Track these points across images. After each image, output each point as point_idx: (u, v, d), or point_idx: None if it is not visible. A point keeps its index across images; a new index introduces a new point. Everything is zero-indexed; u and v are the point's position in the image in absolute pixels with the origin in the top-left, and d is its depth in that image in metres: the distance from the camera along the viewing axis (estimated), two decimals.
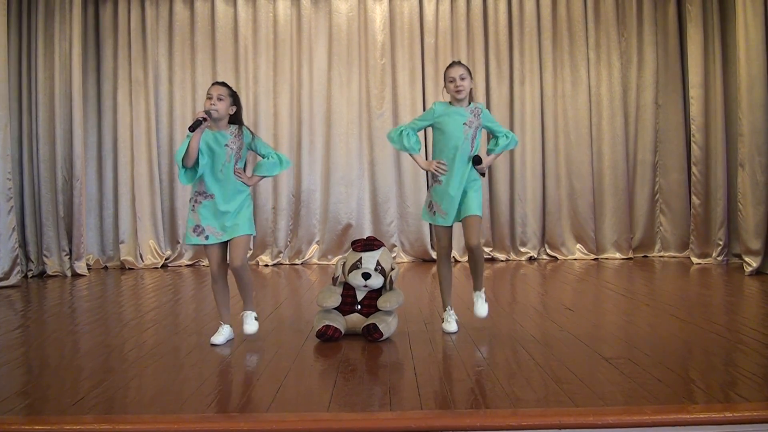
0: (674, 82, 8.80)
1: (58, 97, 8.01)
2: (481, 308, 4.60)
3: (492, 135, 4.65)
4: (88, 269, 8.25)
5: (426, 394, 3.30)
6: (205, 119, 4.19)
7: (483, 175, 4.60)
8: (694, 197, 8.25)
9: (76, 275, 7.96)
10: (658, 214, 8.94)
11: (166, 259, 8.68)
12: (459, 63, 4.55)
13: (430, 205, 4.59)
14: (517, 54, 8.80)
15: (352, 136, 8.81)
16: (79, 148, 8.07)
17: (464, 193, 4.47)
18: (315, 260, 8.80)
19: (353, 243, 4.82)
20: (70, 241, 8.06)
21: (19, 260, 7.36)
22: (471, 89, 4.54)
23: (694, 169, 8.24)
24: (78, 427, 2.95)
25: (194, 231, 4.35)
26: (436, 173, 4.50)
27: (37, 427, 2.96)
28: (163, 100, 8.77)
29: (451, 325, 4.66)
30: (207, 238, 4.33)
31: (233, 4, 8.77)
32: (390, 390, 3.42)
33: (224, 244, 4.42)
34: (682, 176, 8.74)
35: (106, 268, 8.66)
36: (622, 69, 8.86)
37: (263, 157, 4.50)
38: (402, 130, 4.58)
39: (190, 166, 4.25)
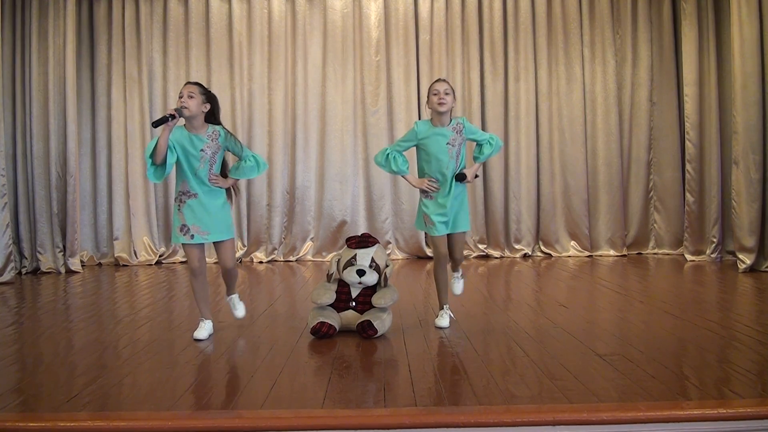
0: (669, 79, 8.81)
1: (51, 93, 7.99)
2: (456, 286, 5.01)
3: (476, 143, 4.74)
4: (82, 266, 8.23)
5: (420, 391, 3.30)
6: (173, 116, 4.17)
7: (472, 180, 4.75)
8: (688, 194, 8.26)
9: (69, 272, 7.94)
10: (652, 211, 8.96)
11: (160, 256, 8.67)
12: (444, 80, 4.67)
13: (423, 218, 4.69)
14: (512, 51, 8.80)
15: (346, 133, 8.80)
16: (72, 145, 8.06)
17: (456, 208, 4.62)
18: (309, 257, 8.80)
19: (348, 240, 4.82)
20: (63, 238, 8.05)
21: (12, 257, 7.33)
22: (452, 107, 4.62)
23: (688, 166, 8.24)
24: (72, 424, 2.95)
25: (180, 230, 4.39)
26: (429, 191, 4.58)
27: (31, 424, 2.95)
28: (158, 96, 8.74)
29: (443, 320, 4.75)
30: (192, 237, 4.36)
31: (227, 1, 8.74)
32: (384, 386, 3.43)
33: (201, 243, 4.46)
34: (677, 174, 8.76)
35: (100, 264, 8.64)
36: (617, 66, 8.87)
37: (240, 159, 4.51)
38: (388, 153, 4.68)
39: (159, 163, 4.24)
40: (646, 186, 8.94)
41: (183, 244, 4.43)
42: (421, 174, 4.69)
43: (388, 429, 2.87)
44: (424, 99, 8.69)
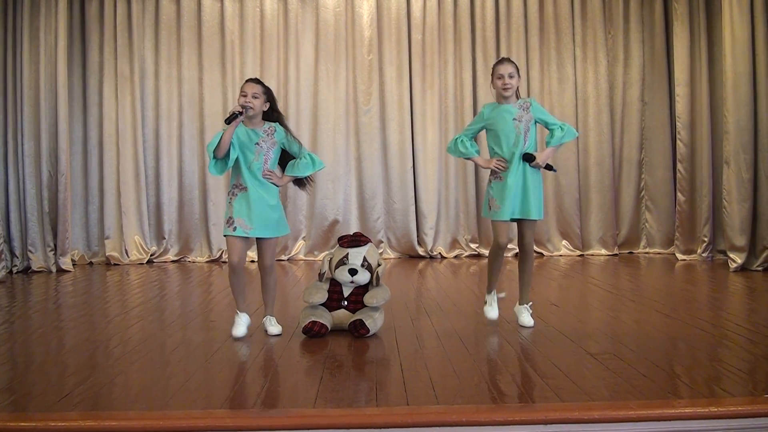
0: (660, 79, 8.84)
1: (43, 92, 7.94)
2: (528, 319, 4.65)
3: (547, 128, 4.66)
4: (73, 265, 8.19)
5: (412, 390, 3.31)
6: (240, 113, 4.27)
7: (550, 169, 4.64)
8: (679, 194, 8.29)
9: (61, 271, 7.90)
10: (644, 210, 8.99)
11: (151, 255, 8.63)
12: (509, 60, 4.61)
13: (488, 202, 4.58)
14: (504, 50, 8.80)
15: (339, 132, 8.79)
16: (64, 143, 8.01)
17: (525, 192, 4.50)
18: (301, 256, 8.79)
19: (340, 239, 4.82)
20: (55, 237, 8.00)
21: (3, 256, 7.30)
22: (518, 87, 4.58)
23: (679, 166, 8.27)
24: (63, 423, 2.94)
25: (227, 222, 4.39)
26: (497, 170, 4.52)
27: (22, 424, 2.93)
28: (149, 94, 8.71)
29: (493, 311, 4.71)
30: (235, 229, 4.34)
31: None
32: (376, 386, 3.43)
33: (246, 239, 4.42)
34: (668, 173, 8.79)
35: (91, 263, 8.60)
36: (609, 66, 8.89)
37: (296, 157, 4.54)
38: (457, 139, 4.69)
39: (221, 157, 4.30)
40: (638, 185, 8.97)
41: (226, 237, 4.39)
42: (492, 157, 4.61)
43: (380, 428, 2.87)
44: (416, 97, 8.75)
